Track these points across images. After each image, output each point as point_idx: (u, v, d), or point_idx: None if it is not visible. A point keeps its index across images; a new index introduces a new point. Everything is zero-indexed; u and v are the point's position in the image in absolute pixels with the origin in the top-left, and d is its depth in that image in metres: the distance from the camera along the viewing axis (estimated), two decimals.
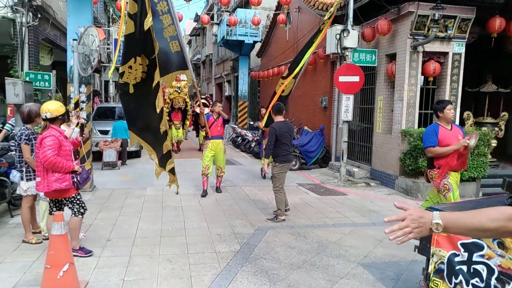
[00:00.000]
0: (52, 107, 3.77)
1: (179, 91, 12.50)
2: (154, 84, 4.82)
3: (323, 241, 4.62)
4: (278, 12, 14.96)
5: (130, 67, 4.78)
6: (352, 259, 4.11)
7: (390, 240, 1.26)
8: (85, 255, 3.90)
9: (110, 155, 9.67)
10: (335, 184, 8.08)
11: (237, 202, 6.48)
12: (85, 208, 4.01)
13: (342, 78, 8.05)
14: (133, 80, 4.84)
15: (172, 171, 5.72)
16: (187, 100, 12.91)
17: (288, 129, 5.50)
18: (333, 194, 7.17)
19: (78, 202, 3.93)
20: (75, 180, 3.81)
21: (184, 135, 13.77)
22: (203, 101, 12.12)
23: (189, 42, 44.08)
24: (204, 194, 6.77)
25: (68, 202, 3.91)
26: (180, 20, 12.25)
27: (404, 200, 6.88)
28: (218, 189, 7.10)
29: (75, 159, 4.03)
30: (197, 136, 14.40)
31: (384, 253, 4.30)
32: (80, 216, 3.94)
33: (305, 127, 11.62)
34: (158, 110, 5.06)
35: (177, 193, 5.71)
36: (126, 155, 10.28)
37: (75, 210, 3.92)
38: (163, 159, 5.64)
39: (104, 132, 11.10)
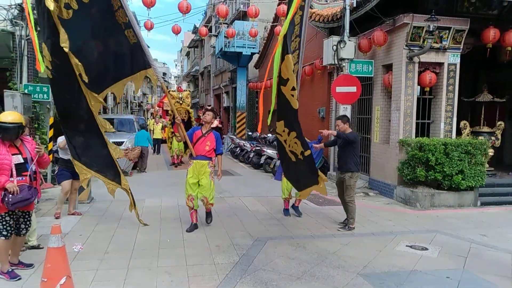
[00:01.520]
0: None
1: (180, 101, 11.97)
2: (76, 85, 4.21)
3: (322, 252, 4.60)
4: (275, 24, 15.15)
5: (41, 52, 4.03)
6: (352, 269, 4.09)
7: None
8: (10, 280, 3.58)
9: (121, 162, 10.11)
10: (333, 194, 8.05)
11: (236, 213, 6.45)
12: (9, 231, 3.62)
13: (339, 89, 8.12)
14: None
15: (127, 191, 5.11)
16: (190, 111, 12.45)
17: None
18: (332, 204, 7.15)
19: (2, 222, 3.59)
20: (6, 199, 3.48)
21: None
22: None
23: (188, 54, 44.48)
24: (191, 229, 5.29)
25: None
26: (178, 32, 12.34)
27: (403, 210, 6.88)
28: (208, 216, 5.62)
29: (18, 175, 3.60)
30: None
31: (384, 263, 4.28)
32: (2, 238, 3.58)
33: None
34: (95, 115, 4.49)
35: (144, 225, 5.46)
36: (146, 162, 11.48)
37: None
38: (115, 174, 4.97)
39: None
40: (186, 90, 12.92)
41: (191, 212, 5.38)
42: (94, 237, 5.00)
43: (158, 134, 15.79)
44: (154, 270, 3.96)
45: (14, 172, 3.60)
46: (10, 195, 3.50)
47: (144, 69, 4.60)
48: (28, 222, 3.85)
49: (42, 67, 3.78)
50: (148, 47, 4.81)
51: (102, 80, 4.54)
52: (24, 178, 3.67)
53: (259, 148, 11.79)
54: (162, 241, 4.88)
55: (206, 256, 4.38)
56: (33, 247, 4.41)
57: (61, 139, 5.68)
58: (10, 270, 3.65)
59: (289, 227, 5.66)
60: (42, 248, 4.36)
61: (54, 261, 2.99)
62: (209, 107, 12.94)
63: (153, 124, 16.15)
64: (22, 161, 3.68)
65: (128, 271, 3.90)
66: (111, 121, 13.48)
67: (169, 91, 12.42)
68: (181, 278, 3.77)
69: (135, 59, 4.54)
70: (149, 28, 12.97)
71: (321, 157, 10.31)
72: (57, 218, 5.69)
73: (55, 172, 5.83)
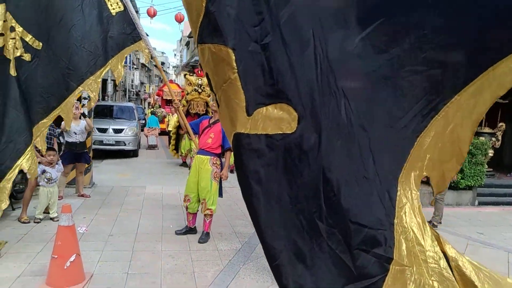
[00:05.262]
0: None
1: (200, 90, 8.99)
2: None
3: None
4: None
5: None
6: None
7: None
8: None
9: (152, 139, 13.62)
10: None
11: (236, 203, 6.51)
12: None
13: None
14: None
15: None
16: (211, 103, 9.63)
17: None
18: None
19: None
20: None
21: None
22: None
23: (187, 44, 44.23)
24: (181, 231, 4.64)
25: None
26: (181, 21, 12.30)
27: None
28: (201, 237, 4.49)
29: None
30: None
31: None
32: None
33: None
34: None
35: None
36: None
37: None
38: None
39: (103, 130, 11.08)
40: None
41: (186, 213, 4.67)
42: (97, 220, 5.04)
43: (172, 127, 13.67)
44: (158, 253, 4.02)
45: None
46: None
47: (133, 42, 3.85)
48: None
49: None
50: (147, 35, 4.08)
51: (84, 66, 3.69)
52: None
53: None
54: (164, 226, 4.93)
55: (209, 242, 4.44)
56: (51, 219, 4.83)
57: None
58: None
59: None
60: (58, 221, 4.48)
61: (64, 239, 3.04)
62: None
63: (169, 115, 13.92)
64: None
65: (132, 253, 3.95)
66: (110, 108, 13.46)
67: (185, 75, 9.71)
68: (184, 262, 3.83)
69: (124, 31, 3.80)
70: (152, 15, 12.92)
71: None
72: (59, 200, 5.73)
73: (60, 155, 5.89)
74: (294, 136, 1.44)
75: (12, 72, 3.30)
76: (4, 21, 3.20)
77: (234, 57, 1.50)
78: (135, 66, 44.05)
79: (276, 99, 1.47)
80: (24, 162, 3.31)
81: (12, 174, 3.28)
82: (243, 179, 1.58)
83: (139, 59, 45.86)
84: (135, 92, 47.93)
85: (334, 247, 1.37)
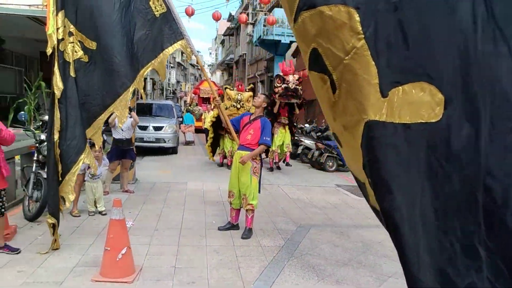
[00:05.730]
0: None
1: (238, 106, 8.45)
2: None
3: (367, 241, 4.54)
4: None
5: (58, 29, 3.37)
6: (398, 259, 4.01)
7: None
8: (11, 253, 3.59)
9: (189, 136, 14.63)
10: None
11: (276, 199, 6.48)
12: (3, 208, 3.58)
13: None
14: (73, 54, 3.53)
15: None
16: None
17: None
18: None
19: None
20: None
21: None
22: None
23: (222, 42, 44.72)
24: (224, 227, 4.68)
25: None
26: (219, 19, 12.40)
27: None
28: (244, 233, 4.50)
29: None
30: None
31: None
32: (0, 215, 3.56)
33: None
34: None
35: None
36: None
37: None
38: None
39: (143, 128, 11.44)
40: (248, 90, 9.07)
41: (230, 208, 4.74)
42: (142, 214, 5.20)
43: (207, 123, 13.67)
44: (203, 248, 4.08)
45: None
46: None
47: (175, 41, 3.99)
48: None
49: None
50: None
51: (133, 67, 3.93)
52: None
53: (296, 138, 11.72)
54: (207, 222, 5.00)
55: (252, 238, 4.45)
56: (100, 213, 5.08)
57: (113, 116, 5.86)
58: (6, 244, 3.66)
59: (331, 216, 5.62)
60: (105, 214, 4.94)
61: (116, 232, 3.15)
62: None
63: (205, 113, 14.59)
64: None
65: (178, 248, 4.04)
66: (149, 106, 13.90)
67: (225, 88, 9.27)
68: (230, 258, 3.86)
69: (166, 32, 3.96)
70: (190, 14, 13.12)
71: None
72: (105, 195, 5.96)
73: (108, 151, 6.16)
74: (440, 127, 1.05)
75: (72, 73, 3.50)
76: (64, 27, 3.38)
77: (358, 18, 1.15)
78: (171, 65, 45.18)
79: (414, 77, 1.11)
80: (85, 157, 3.56)
81: (76, 168, 3.56)
82: (380, 183, 1.20)
83: (175, 58, 47.03)
84: (171, 91, 49.24)
85: (492, 279, 1.01)
